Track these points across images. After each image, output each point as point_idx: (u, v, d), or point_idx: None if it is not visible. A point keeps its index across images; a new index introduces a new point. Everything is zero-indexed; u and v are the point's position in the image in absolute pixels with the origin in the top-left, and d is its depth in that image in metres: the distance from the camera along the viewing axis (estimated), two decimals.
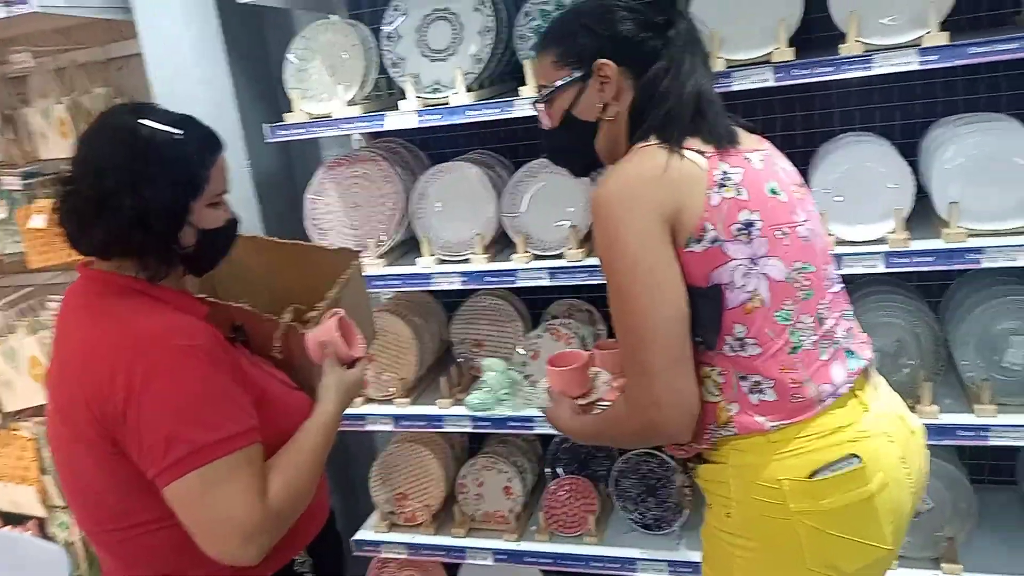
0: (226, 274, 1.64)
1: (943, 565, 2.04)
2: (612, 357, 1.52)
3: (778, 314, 1.23)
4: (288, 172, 2.73)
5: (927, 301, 2.14)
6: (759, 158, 1.29)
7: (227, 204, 1.39)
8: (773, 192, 1.26)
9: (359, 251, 1.69)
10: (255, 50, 2.58)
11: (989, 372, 1.96)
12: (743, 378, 1.25)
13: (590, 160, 1.41)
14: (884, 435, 1.28)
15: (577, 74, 1.32)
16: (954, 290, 2.18)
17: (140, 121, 1.26)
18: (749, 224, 1.21)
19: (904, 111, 2.20)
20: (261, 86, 2.57)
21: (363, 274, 1.72)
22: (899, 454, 1.29)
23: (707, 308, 1.21)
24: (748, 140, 1.34)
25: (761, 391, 1.25)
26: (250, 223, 2.30)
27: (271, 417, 1.33)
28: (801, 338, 1.24)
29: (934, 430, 1.90)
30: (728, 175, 1.22)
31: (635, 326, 1.19)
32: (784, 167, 1.35)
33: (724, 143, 1.26)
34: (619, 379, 1.46)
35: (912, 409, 1.90)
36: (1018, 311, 1.93)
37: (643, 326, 1.18)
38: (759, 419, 1.25)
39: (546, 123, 1.40)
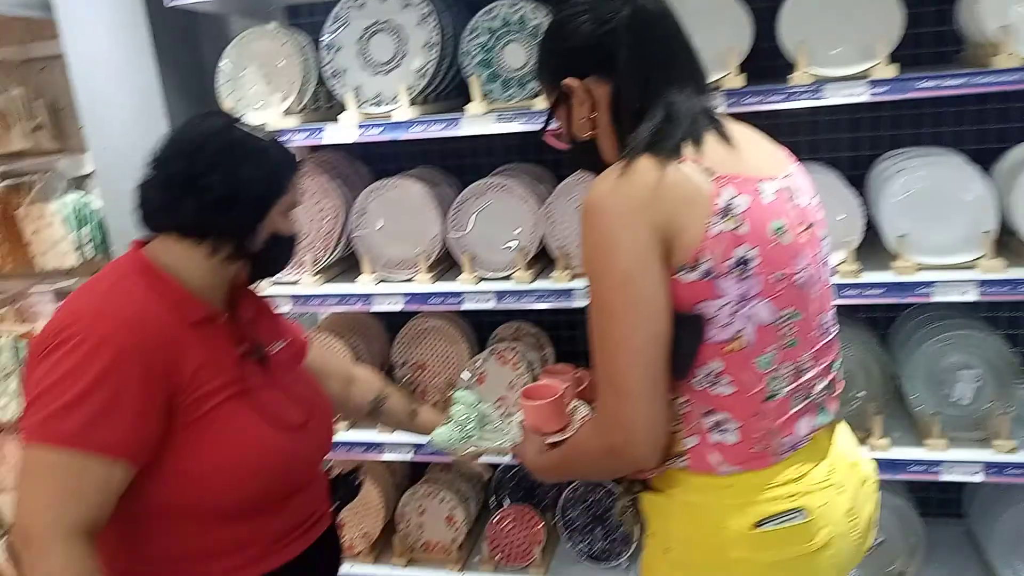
0: None
1: None
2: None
3: (759, 359, 1.16)
4: None
5: (876, 334, 2.12)
6: (773, 189, 1.19)
7: (295, 220, 1.42)
8: (777, 231, 1.16)
9: None
10: (186, 56, 2.45)
11: (938, 406, 1.95)
12: (708, 413, 1.19)
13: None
14: (834, 487, 1.23)
15: (557, 96, 1.29)
16: (901, 323, 2.17)
17: (234, 124, 1.33)
18: (744, 261, 1.13)
19: (852, 143, 2.19)
20: (192, 93, 2.43)
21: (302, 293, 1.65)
22: (847, 506, 1.25)
23: (685, 336, 1.14)
24: (767, 161, 1.24)
25: (724, 431, 1.19)
26: None
27: (217, 440, 1.26)
28: (777, 387, 1.18)
29: (885, 464, 1.88)
30: (732, 204, 1.13)
31: (615, 344, 1.13)
32: (800, 202, 1.23)
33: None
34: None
35: (863, 442, 1.90)
36: (965, 346, 1.93)
37: (624, 345, 1.12)
38: (713, 459, 1.20)
39: (558, 146, 1.38)
